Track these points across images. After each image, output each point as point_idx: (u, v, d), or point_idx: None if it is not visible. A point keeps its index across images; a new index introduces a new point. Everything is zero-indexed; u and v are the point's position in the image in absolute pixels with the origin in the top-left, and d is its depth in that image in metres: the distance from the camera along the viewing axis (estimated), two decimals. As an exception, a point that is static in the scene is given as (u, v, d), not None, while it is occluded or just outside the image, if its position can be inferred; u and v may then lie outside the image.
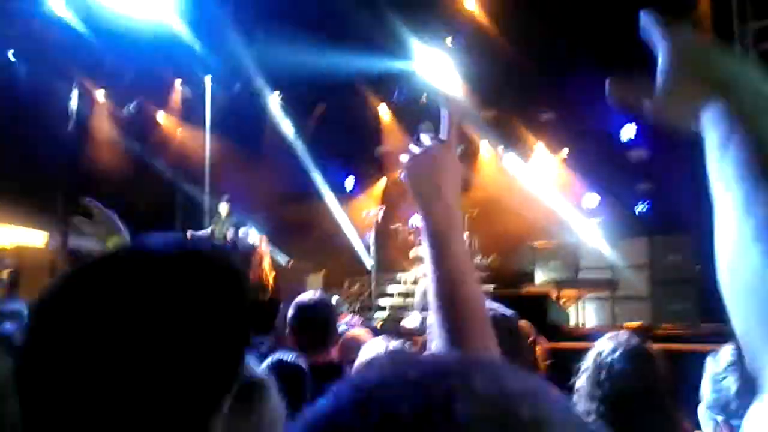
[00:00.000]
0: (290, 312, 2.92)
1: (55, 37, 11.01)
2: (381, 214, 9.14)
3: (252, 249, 9.83)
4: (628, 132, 10.89)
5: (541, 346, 2.88)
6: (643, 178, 10.42)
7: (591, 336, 4.82)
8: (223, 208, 10.08)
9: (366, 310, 10.36)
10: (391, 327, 7.98)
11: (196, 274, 0.70)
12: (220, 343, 0.69)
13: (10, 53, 11.42)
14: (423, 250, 1.01)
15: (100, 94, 12.96)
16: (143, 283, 0.67)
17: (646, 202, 10.42)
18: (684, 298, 7.83)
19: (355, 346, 3.33)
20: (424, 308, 8.30)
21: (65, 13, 10.86)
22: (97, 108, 13.00)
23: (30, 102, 10.78)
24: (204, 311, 0.68)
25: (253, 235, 10.06)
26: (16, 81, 11.16)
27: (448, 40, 11.98)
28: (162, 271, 0.69)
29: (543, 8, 9.55)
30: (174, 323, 0.66)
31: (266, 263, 10.07)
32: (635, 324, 6.34)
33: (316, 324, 2.80)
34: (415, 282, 9.07)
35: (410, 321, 7.98)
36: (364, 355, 2.36)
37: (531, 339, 2.73)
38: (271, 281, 9.96)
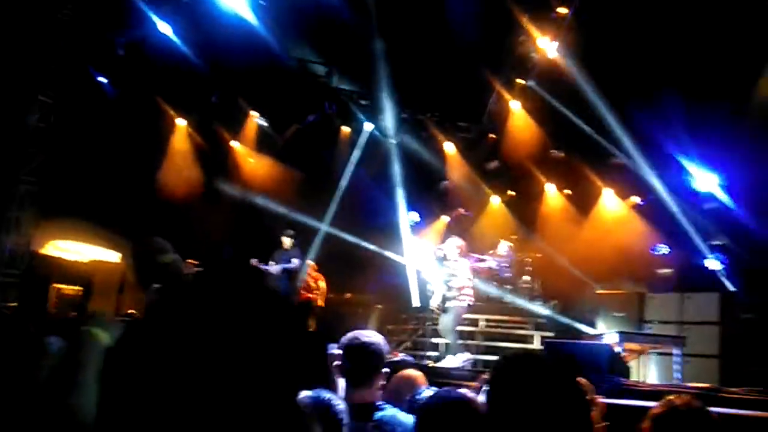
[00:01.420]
0: (339, 346, 2.94)
1: (143, 62, 11.66)
2: (442, 253, 9.07)
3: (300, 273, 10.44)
4: (707, 183, 10.49)
5: (599, 406, 2.77)
6: (718, 231, 10.00)
7: (653, 394, 4.62)
8: (287, 241, 10.38)
9: (419, 347, 10.28)
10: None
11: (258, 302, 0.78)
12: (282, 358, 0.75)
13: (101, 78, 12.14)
14: None
15: (180, 120, 13.55)
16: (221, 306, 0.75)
17: (719, 257, 9.97)
18: (757, 360, 7.40)
19: (406, 385, 3.32)
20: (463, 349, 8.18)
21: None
22: (176, 133, 13.59)
23: (116, 125, 11.40)
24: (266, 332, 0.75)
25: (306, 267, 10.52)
26: (104, 103, 11.83)
27: (520, 81, 12.00)
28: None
29: (619, 52, 9.46)
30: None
31: (321, 285, 10.66)
32: (701, 385, 6.03)
33: (363, 362, 2.81)
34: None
35: (450, 361, 7.85)
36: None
37: (588, 398, 2.63)
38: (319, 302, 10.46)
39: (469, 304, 8.18)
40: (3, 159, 10.32)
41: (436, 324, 8.59)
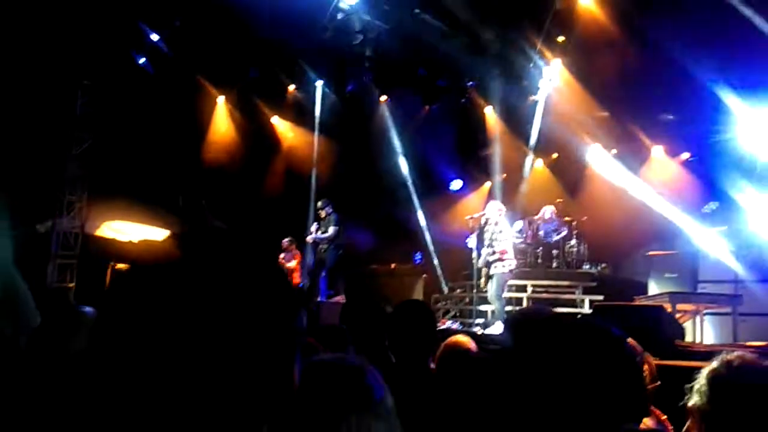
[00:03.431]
0: (389, 317, 2.95)
1: (179, 43, 11.77)
2: (484, 218, 9.00)
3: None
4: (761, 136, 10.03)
5: (650, 367, 2.71)
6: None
7: (708, 354, 4.50)
8: (322, 210, 10.36)
9: (467, 315, 10.28)
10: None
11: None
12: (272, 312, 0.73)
13: (142, 60, 12.29)
14: None
15: (220, 98, 13.70)
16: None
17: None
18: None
19: (456, 351, 3.31)
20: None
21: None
22: (217, 110, 13.76)
23: (157, 105, 11.56)
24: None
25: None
26: (145, 85, 11.99)
27: (561, 38, 11.62)
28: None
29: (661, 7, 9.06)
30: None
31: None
32: (759, 343, 5.85)
33: (414, 331, 2.81)
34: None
35: (497, 328, 7.82)
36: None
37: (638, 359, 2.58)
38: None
39: (511, 270, 8.16)
40: (52, 144, 10.62)
41: (483, 291, 8.57)
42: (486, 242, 8.28)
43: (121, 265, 9.50)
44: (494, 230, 8.20)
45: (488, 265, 8.19)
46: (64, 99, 10.94)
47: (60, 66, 10.38)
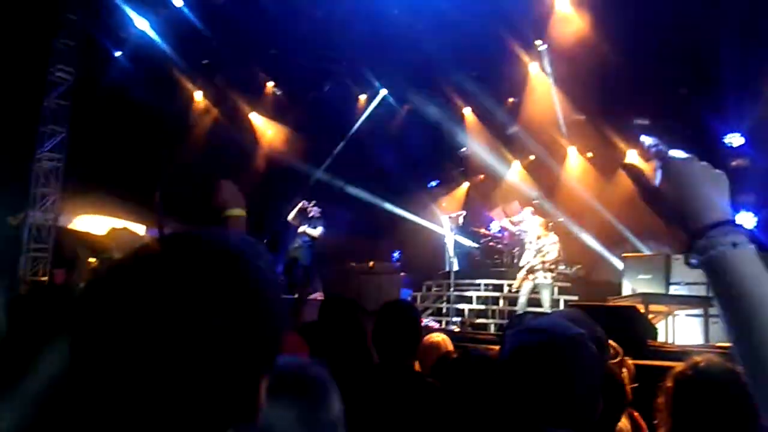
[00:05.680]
0: (376, 317, 2.93)
1: (156, 40, 11.66)
2: (462, 218, 9.07)
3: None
4: (735, 141, 10.33)
5: (629, 368, 2.77)
6: (748, 188, 9.81)
7: (679, 354, 4.59)
8: (311, 210, 10.25)
9: (444, 313, 10.33)
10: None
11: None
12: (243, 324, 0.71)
13: (118, 53, 12.13)
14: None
15: (198, 94, 13.59)
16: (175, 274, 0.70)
17: (749, 214, 9.82)
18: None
19: (434, 350, 3.34)
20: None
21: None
22: (194, 106, 13.65)
23: (135, 100, 11.42)
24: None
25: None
26: (123, 80, 11.83)
27: (539, 43, 11.77)
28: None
29: (639, 12, 9.20)
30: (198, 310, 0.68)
31: None
32: (729, 344, 5.99)
33: (399, 331, 2.80)
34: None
35: None
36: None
37: (618, 359, 2.63)
38: None
39: (553, 278, 8.35)
40: (23, 137, 10.44)
41: (460, 289, 8.63)
42: (533, 250, 8.39)
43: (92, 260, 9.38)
44: (546, 242, 8.33)
45: (533, 272, 8.30)
46: (36, 91, 10.76)
47: (32, 58, 10.20)
